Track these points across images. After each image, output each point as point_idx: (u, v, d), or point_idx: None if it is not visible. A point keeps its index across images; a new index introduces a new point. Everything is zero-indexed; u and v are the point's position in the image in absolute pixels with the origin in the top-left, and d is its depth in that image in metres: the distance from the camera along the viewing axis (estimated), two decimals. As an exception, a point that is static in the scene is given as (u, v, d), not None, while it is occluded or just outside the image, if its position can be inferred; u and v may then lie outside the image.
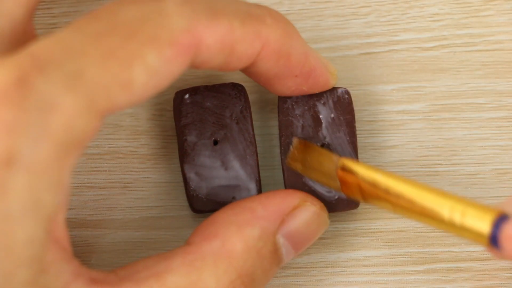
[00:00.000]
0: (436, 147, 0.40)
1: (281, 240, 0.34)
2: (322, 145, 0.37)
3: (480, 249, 0.39)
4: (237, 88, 0.38)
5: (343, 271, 0.39)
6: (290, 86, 0.36)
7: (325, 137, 0.37)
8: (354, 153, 0.37)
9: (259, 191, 0.37)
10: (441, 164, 0.40)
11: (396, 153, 0.40)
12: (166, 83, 0.30)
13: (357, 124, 0.40)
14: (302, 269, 0.39)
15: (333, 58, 0.41)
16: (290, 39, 0.34)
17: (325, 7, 0.41)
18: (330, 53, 0.41)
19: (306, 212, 0.35)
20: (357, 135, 0.40)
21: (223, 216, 0.34)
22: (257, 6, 0.33)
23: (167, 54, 0.30)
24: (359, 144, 0.40)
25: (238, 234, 0.33)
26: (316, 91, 0.37)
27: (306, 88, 0.36)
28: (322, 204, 0.36)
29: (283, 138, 0.37)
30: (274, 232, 0.34)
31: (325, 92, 0.37)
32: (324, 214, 0.36)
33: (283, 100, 0.37)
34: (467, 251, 0.39)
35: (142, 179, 0.40)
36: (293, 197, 0.35)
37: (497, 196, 0.39)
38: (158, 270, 0.32)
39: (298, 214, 0.35)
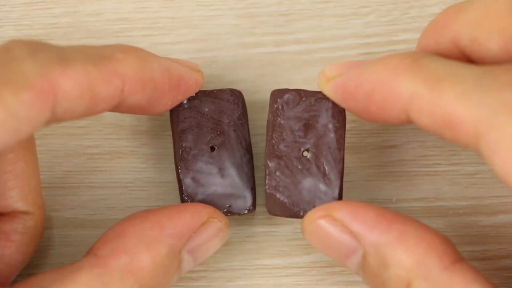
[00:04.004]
0: (435, 146, 0.40)
1: (185, 255, 0.35)
2: (307, 150, 0.37)
3: (480, 249, 0.39)
4: (235, 95, 0.38)
5: (343, 271, 0.39)
6: (166, 102, 0.36)
7: (311, 142, 0.37)
8: (339, 160, 0.36)
9: (254, 200, 0.37)
10: (441, 164, 0.40)
11: (396, 152, 0.40)
12: (28, 129, 0.30)
13: (357, 124, 0.40)
14: (302, 269, 0.39)
15: (333, 58, 0.41)
16: (147, 64, 0.34)
17: (325, 7, 0.41)
18: (330, 53, 0.41)
19: (212, 229, 0.36)
20: (357, 135, 0.40)
21: (132, 230, 0.34)
22: (105, 46, 0.33)
23: (24, 98, 0.30)
24: (359, 144, 0.40)
25: (146, 252, 0.34)
26: (190, 94, 0.37)
27: (181, 97, 0.36)
28: (226, 220, 0.36)
29: (268, 139, 0.37)
30: (181, 249, 0.35)
31: (317, 95, 0.37)
32: (227, 229, 0.36)
33: (274, 99, 0.37)
34: (467, 250, 0.39)
35: (142, 178, 0.40)
36: (202, 214, 0.35)
37: (497, 196, 0.40)
38: (65, 283, 0.32)
39: (204, 230, 0.35)
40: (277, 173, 0.36)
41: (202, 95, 0.37)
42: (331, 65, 0.35)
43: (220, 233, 0.36)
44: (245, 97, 0.38)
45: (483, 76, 0.30)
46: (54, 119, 0.31)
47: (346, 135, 0.39)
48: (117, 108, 0.34)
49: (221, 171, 0.37)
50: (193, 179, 0.37)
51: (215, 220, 0.36)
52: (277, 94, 0.37)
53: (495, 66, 0.30)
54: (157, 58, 0.35)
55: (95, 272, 0.33)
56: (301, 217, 0.36)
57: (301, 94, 0.37)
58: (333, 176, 0.36)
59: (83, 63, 0.31)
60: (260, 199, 0.39)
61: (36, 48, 0.31)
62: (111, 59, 0.33)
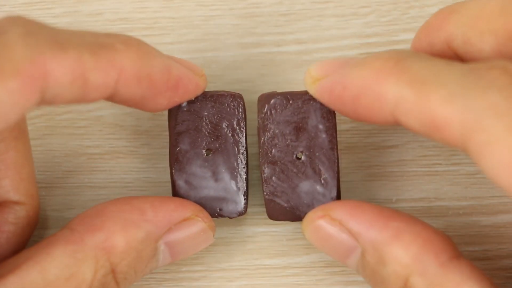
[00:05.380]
0: (435, 146, 0.40)
1: (162, 246, 0.35)
2: (300, 153, 0.36)
3: (480, 249, 0.39)
4: (236, 100, 0.37)
5: (343, 271, 0.39)
6: (162, 102, 0.35)
7: (303, 145, 0.36)
8: (333, 160, 0.36)
9: (246, 204, 0.37)
10: (441, 164, 0.40)
11: (396, 152, 0.40)
12: (14, 117, 0.30)
13: (357, 124, 0.40)
14: (302, 269, 0.39)
15: (333, 58, 0.41)
16: (147, 60, 0.33)
17: (325, 7, 0.41)
18: (330, 53, 0.41)
19: (194, 227, 0.35)
20: (357, 135, 0.40)
21: (113, 210, 0.34)
22: (106, 34, 0.33)
23: (11, 85, 0.29)
24: (359, 144, 0.40)
25: (122, 233, 0.34)
26: (189, 98, 0.36)
27: (178, 99, 0.36)
28: (212, 223, 0.36)
29: (261, 145, 0.37)
30: (158, 238, 0.35)
31: (304, 97, 0.36)
32: (211, 232, 0.36)
33: (262, 105, 0.37)
34: (467, 250, 0.39)
35: (142, 178, 0.40)
36: (186, 209, 0.35)
37: (497, 196, 0.40)
38: (39, 259, 0.32)
39: (185, 226, 0.35)
40: (273, 179, 0.36)
41: (202, 98, 0.37)
42: (316, 65, 0.35)
43: (203, 234, 0.36)
44: (245, 97, 0.38)
45: (467, 75, 0.30)
46: (43, 103, 0.31)
47: (346, 135, 0.39)
48: (110, 98, 0.33)
49: (215, 175, 0.37)
50: (186, 181, 0.37)
51: (199, 219, 0.35)
52: (264, 100, 0.36)
53: (479, 64, 0.30)
54: (159, 55, 0.34)
55: (70, 248, 0.33)
56: (302, 219, 0.36)
57: (288, 97, 0.36)
58: (329, 177, 0.36)
59: (79, 49, 0.31)
60: (257, 199, 0.39)
61: (32, 30, 0.30)
62: (110, 48, 0.32)
